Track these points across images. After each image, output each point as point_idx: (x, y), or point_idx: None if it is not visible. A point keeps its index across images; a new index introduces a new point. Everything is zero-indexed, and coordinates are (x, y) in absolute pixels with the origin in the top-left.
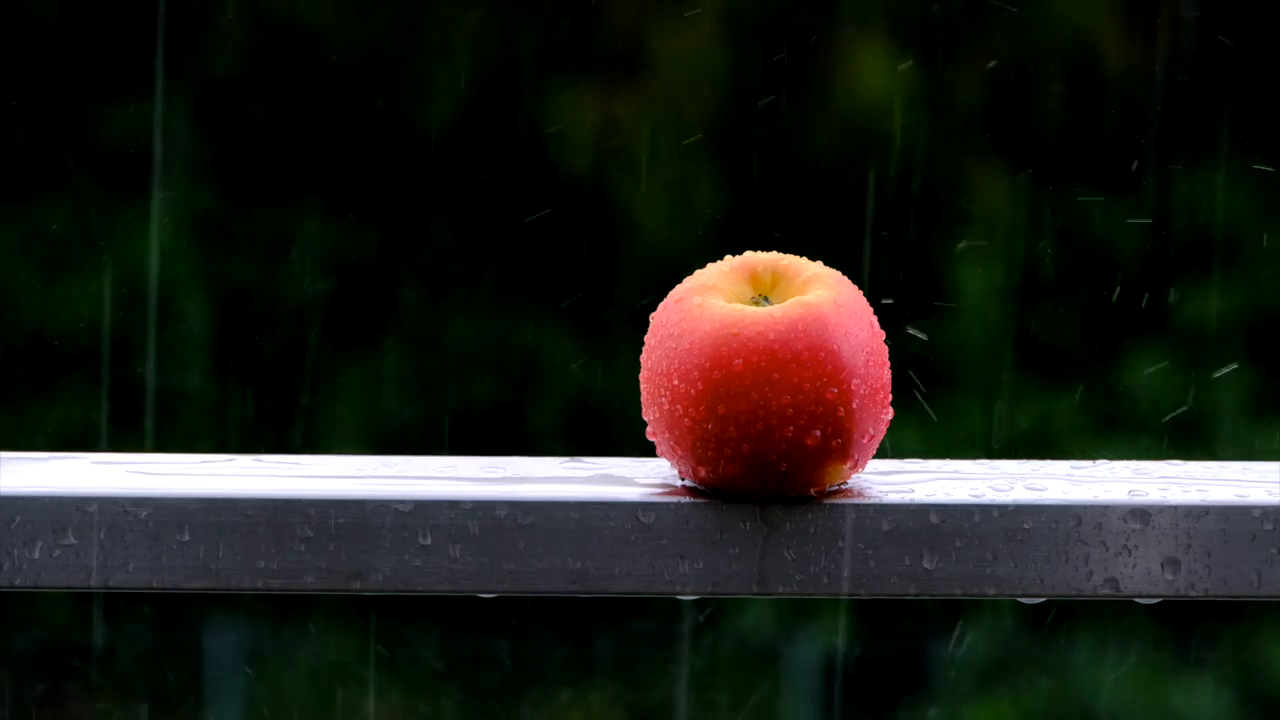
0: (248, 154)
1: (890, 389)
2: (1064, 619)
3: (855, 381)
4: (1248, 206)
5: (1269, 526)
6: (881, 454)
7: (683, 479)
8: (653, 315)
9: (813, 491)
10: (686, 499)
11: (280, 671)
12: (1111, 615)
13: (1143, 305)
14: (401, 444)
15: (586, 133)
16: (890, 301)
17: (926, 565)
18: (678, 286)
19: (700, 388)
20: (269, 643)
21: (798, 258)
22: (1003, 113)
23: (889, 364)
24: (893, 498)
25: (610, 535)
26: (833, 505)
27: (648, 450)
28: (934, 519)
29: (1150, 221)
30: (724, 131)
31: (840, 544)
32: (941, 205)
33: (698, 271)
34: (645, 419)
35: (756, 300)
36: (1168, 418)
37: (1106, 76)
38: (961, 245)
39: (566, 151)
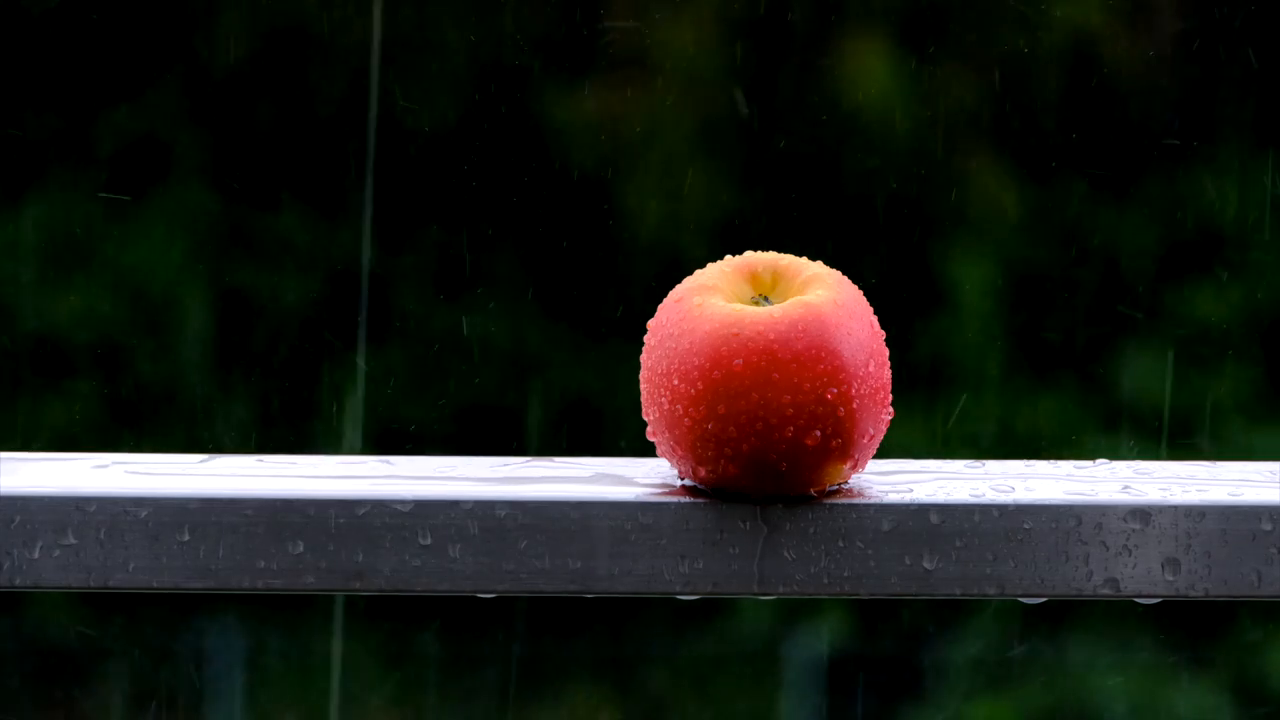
0: (248, 154)
1: (890, 389)
2: (1064, 619)
3: (855, 381)
4: (1249, 205)
5: (1269, 526)
6: (882, 454)
7: (683, 479)
8: (652, 316)
9: (813, 491)
10: (686, 499)
11: (280, 671)
12: (1111, 615)
13: (1143, 304)
14: (401, 444)
15: (586, 131)
16: (890, 301)
17: (926, 565)
18: (678, 286)
19: (700, 388)
20: (269, 643)
21: (798, 258)
22: (1003, 111)
23: (889, 364)
24: (893, 498)
25: (610, 535)
26: (833, 505)
27: (648, 450)
28: (934, 519)
29: (1151, 220)
30: (724, 131)
31: (840, 544)
32: (941, 204)
33: (698, 271)
34: (645, 419)
35: (756, 300)
36: (1168, 418)
37: (1107, 75)
38: (961, 244)
39: (566, 150)
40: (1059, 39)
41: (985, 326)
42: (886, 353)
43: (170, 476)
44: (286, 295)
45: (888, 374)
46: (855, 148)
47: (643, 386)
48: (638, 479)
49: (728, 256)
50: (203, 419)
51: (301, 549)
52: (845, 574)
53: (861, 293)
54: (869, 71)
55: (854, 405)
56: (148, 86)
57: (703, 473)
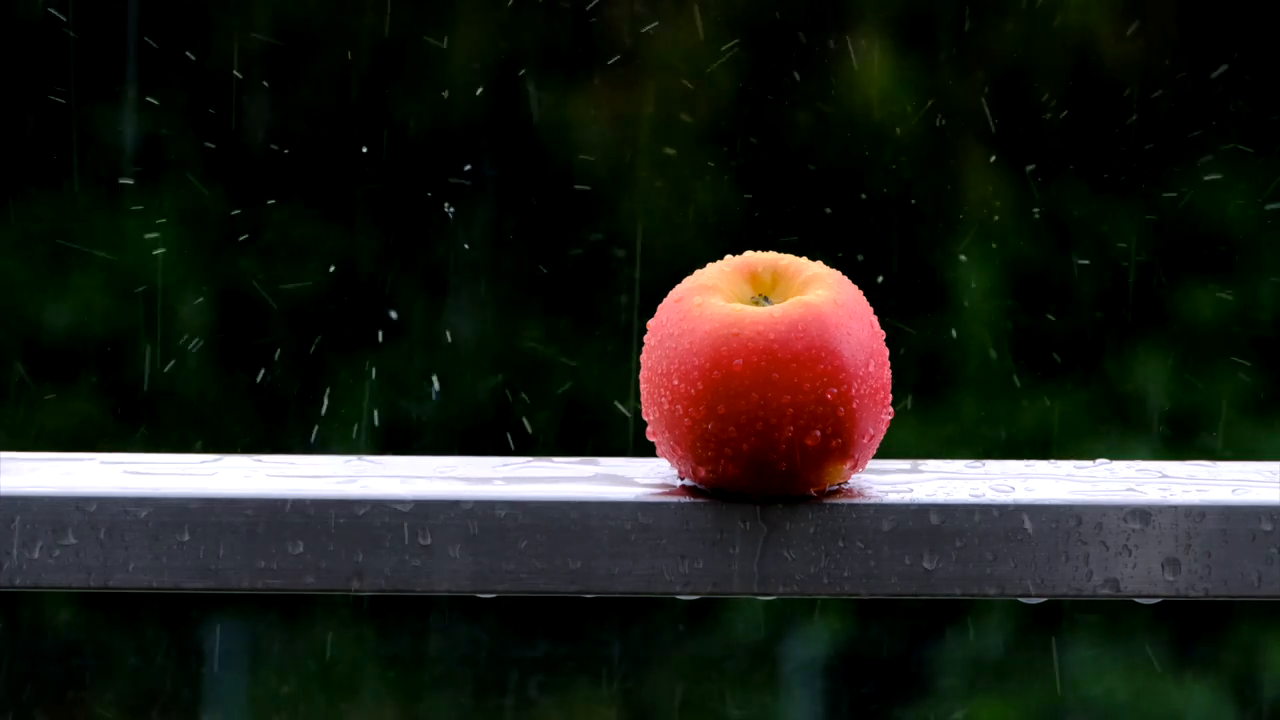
0: (247, 154)
1: (890, 389)
2: (1064, 619)
3: (855, 381)
4: (1249, 205)
5: (1269, 526)
6: (882, 454)
7: (683, 479)
8: (652, 316)
9: (813, 491)
10: (686, 499)
11: (280, 671)
12: (1111, 615)
13: (1143, 305)
14: (401, 444)
15: (586, 132)
16: (890, 301)
17: (926, 565)
18: (678, 286)
19: (700, 388)
20: (269, 643)
21: (798, 258)
22: (1003, 111)
23: (889, 364)
24: (893, 498)
25: (610, 535)
26: (833, 505)
27: (648, 450)
28: (934, 519)
29: (1151, 221)
30: (724, 131)
31: (840, 544)
32: (941, 204)
33: (698, 271)
34: (645, 419)
35: (756, 300)
36: (1168, 418)
37: (1107, 75)
38: (961, 244)
39: (566, 151)
40: (1060, 39)
41: (985, 326)
42: (886, 353)
43: (170, 476)
44: (286, 294)
45: (888, 374)
46: (856, 147)
47: (643, 386)
48: (638, 479)
49: (728, 256)
50: (203, 419)
51: (301, 549)
52: (845, 574)
53: (861, 293)
54: (870, 71)
55: (854, 405)
56: (147, 85)
57: (703, 473)
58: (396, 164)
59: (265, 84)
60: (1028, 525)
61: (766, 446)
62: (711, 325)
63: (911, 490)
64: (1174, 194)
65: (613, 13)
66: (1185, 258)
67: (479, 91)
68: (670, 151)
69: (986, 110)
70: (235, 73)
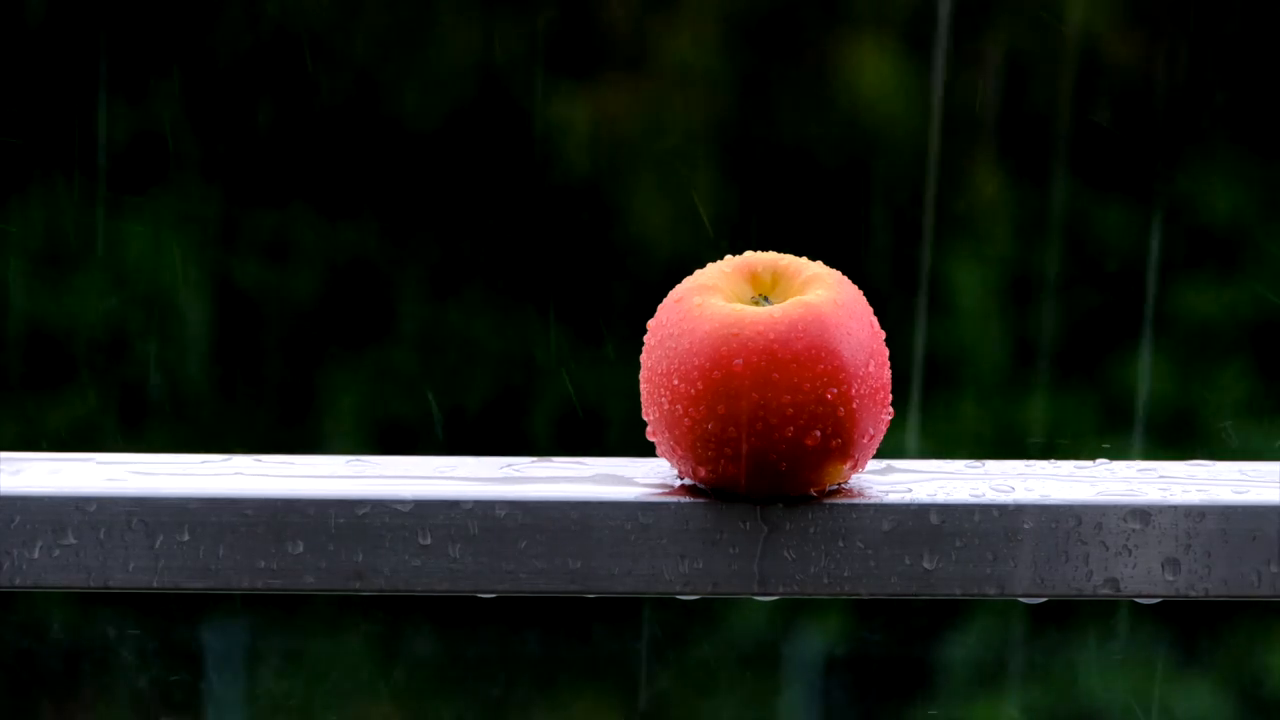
0: (247, 154)
1: (890, 389)
2: (1064, 619)
3: (855, 381)
4: (1249, 206)
5: (1269, 527)
6: (881, 454)
7: (682, 479)
8: (652, 315)
9: (813, 491)
10: (686, 499)
11: (280, 671)
12: (1111, 615)
13: (1143, 305)
14: (401, 444)
15: (585, 132)
16: (890, 302)
17: (926, 565)
18: (678, 286)
19: (700, 388)
20: (269, 643)
21: (798, 258)
22: (1003, 111)
23: (889, 364)
24: (893, 498)
25: (610, 535)
26: (833, 505)
27: (648, 450)
28: (934, 519)
29: (1150, 220)
30: (724, 131)
31: (840, 544)
32: (941, 204)
33: (698, 271)
34: (645, 419)
35: (756, 300)
36: (1168, 418)
37: (1107, 75)
38: (961, 244)
39: (565, 151)
40: (1060, 39)
41: (985, 326)
42: (886, 353)
43: (170, 476)
44: (286, 294)
45: (888, 374)
46: (856, 148)
47: (643, 386)
48: (638, 479)
49: (728, 256)
50: (203, 418)
51: (301, 549)
52: (845, 574)
53: (861, 293)
54: (870, 71)
55: (854, 405)
56: (148, 84)
57: (703, 473)
58: (396, 163)
59: (264, 82)
60: (1028, 525)
61: (766, 446)
62: (711, 325)
63: (911, 490)
64: (1173, 194)
65: (612, 11)
66: (1185, 257)
67: (478, 90)
68: (670, 151)
69: (986, 110)
70: (236, 70)
